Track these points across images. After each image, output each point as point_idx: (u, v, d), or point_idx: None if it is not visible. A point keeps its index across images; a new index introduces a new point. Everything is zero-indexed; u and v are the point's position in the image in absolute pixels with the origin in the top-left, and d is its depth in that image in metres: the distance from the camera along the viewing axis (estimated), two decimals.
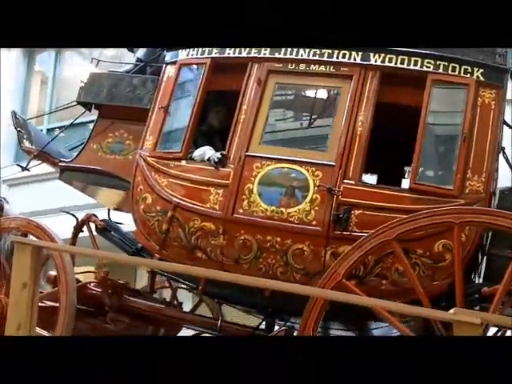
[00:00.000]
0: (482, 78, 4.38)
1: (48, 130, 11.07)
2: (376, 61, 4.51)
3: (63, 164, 5.51)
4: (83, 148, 5.47)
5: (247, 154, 4.61)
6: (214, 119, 5.26)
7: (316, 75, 4.65)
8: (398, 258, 3.99)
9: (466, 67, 4.39)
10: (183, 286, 4.91)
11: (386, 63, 4.49)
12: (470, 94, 4.34)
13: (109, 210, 5.58)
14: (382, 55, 4.50)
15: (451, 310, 3.04)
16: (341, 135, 4.45)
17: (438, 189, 4.25)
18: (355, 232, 4.26)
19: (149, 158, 4.95)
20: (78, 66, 12.03)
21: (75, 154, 5.58)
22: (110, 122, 5.46)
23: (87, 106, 5.49)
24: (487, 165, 4.27)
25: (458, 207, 4.06)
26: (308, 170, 4.46)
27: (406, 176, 4.51)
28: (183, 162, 4.81)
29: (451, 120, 4.57)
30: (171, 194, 4.77)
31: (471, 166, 4.26)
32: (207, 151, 4.80)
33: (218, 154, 4.68)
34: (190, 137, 4.84)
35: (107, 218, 5.33)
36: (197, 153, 4.85)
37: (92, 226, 5.20)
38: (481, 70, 4.38)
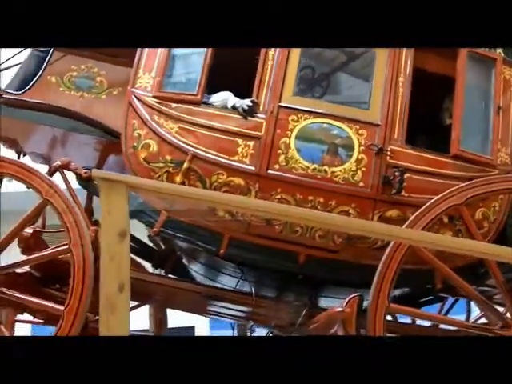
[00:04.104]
0: (503, 55, 4.54)
1: None
2: None
3: (9, 96, 4.35)
4: (37, 80, 4.40)
5: (281, 104, 4.14)
6: None
7: None
8: (467, 222, 3.94)
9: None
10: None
11: None
12: (498, 68, 4.46)
13: None
14: None
15: None
16: (383, 95, 4.24)
17: (479, 157, 4.29)
18: (404, 196, 4.11)
19: (149, 99, 4.16)
20: None
21: None
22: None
23: None
24: (511, 138, 4.44)
25: None
26: (351, 128, 4.16)
27: None
28: (200, 107, 4.15)
29: (480, 92, 4.64)
30: (186, 143, 4.08)
31: (500, 138, 4.39)
32: (230, 97, 4.19)
33: (248, 102, 4.12)
34: (207, 77, 4.19)
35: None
36: (216, 98, 4.21)
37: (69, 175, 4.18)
38: (500, 49, 4.54)
